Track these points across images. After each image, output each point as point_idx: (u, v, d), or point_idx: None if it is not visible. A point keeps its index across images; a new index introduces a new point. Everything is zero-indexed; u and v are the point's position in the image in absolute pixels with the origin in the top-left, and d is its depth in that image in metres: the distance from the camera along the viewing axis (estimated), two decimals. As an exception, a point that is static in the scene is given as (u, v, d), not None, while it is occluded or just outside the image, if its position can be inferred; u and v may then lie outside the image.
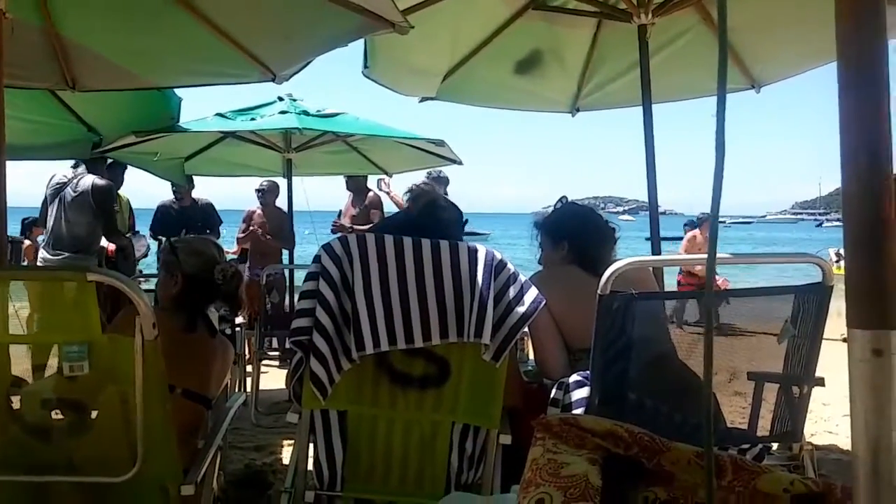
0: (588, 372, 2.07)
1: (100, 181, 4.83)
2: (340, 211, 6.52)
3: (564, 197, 2.66)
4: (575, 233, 2.50)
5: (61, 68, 3.57)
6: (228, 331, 4.82)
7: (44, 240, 4.99)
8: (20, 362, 1.91)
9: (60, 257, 4.72)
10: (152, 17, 3.24)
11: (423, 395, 2.01)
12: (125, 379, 1.77)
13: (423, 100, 4.01)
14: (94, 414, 1.92)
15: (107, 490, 1.89)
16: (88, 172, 4.90)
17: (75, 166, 4.95)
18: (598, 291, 1.90)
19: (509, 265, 2.00)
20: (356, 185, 6.52)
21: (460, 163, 5.79)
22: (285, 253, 6.67)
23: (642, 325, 2.02)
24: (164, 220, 6.33)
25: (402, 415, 2.03)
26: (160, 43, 3.50)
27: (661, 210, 3.68)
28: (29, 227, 7.44)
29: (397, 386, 2.01)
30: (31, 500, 1.96)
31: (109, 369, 1.81)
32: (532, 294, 1.97)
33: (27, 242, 7.12)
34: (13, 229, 5.18)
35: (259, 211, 6.74)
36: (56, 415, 1.94)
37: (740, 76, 3.88)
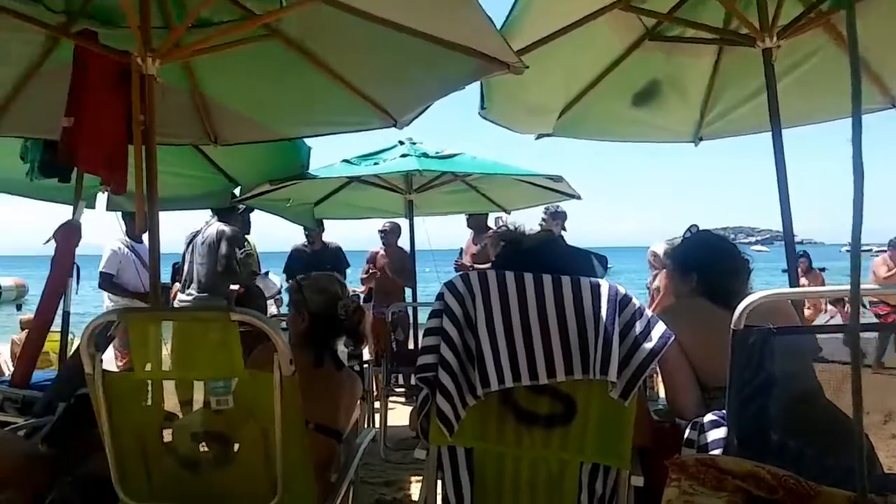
0: (724, 411, 1.97)
1: (224, 227, 5.16)
2: (462, 249, 6.61)
3: (695, 226, 2.56)
4: (704, 263, 2.40)
5: (204, 125, 3.90)
6: (357, 367, 4.99)
7: (180, 284, 5.43)
8: (169, 397, 2.06)
9: (192, 297, 5.13)
10: (282, 73, 3.49)
11: (549, 433, 1.97)
12: (265, 413, 1.87)
13: (539, 137, 4.02)
14: (236, 446, 2.03)
15: (249, 521, 2.00)
16: (219, 220, 5.26)
17: (212, 216, 5.39)
18: (732, 326, 1.81)
19: (634, 300, 1.94)
20: (476, 223, 6.60)
21: (579, 197, 5.75)
22: (408, 291, 6.83)
23: (783, 361, 1.89)
24: (297, 262, 6.67)
25: (528, 453, 2.00)
26: (290, 97, 3.75)
27: (798, 240, 3.48)
28: (178, 272, 8.04)
29: (523, 424, 1.99)
30: (182, 527, 2.10)
31: (251, 404, 1.91)
32: (660, 329, 1.90)
33: (175, 286, 7.70)
34: (165, 276, 5.62)
35: (382, 251, 6.96)
36: (203, 447, 2.07)
37: (878, 95, 3.63)
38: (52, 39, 3.23)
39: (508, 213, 6.44)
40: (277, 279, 6.57)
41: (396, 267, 6.77)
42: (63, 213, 4.33)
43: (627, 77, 3.66)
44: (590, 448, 1.95)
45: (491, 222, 6.62)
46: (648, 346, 1.88)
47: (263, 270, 6.53)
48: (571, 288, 1.91)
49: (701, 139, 4.21)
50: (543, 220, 6.37)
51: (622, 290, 1.94)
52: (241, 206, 5.55)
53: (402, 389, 6.59)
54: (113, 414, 1.95)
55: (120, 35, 3.02)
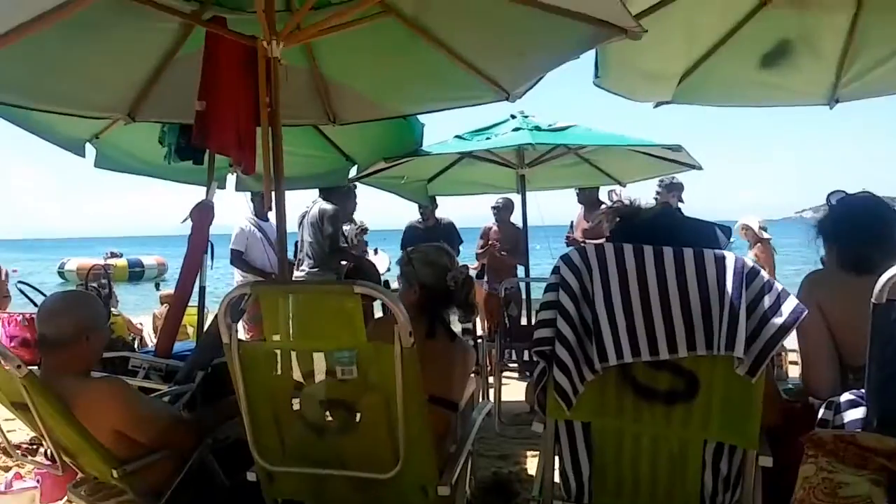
0: (863, 390, 1.85)
1: (326, 206, 5.49)
2: (572, 223, 6.53)
3: (840, 191, 2.38)
4: (844, 232, 2.26)
5: (323, 105, 4.04)
6: (471, 342, 5.06)
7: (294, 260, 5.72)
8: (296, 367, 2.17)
9: (304, 273, 5.42)
10: (397, 50, 3.54)
11: (670, 409, 1.93)
12: (386, 384, 1.94)
13: (657, 105, 3.88)
14: (359, 415, 2.12)
15: (373, 485, 2.08)
16: (323, 199, 5.57)
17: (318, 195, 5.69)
18: (873, 300, 1.70)
19: (763, 273, 1.85)
20: (587, 198, 6.50)
21: (699, 167, 5.50)
22: (520, 268, 6.84)
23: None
24: (411, 238, 6.82)
25: (648, 429, 1.97)
26: (405, 74, 3.81)
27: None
28: (296, 250, 8.45)
29: (642, 399, 1.95)
30: (309, 487, 2.22)
31: (373, 374, 1.98)
32: (791, 304, 1.80)
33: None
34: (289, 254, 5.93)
35: (495, 227, 7.00)
36: (328, 415, 2.17)
37: None
38: (185, 27, 3.41)
39: (624, 185, 6.27)
40: (386, 256, 6.75)
41: (509, 243, 6.80)
42: (197, 194, 4.64)
43: (754, 37, 3.44)
44: (714, 426, 1.89)
45: (603, 196, 6.49)
46: (778, 321, 1.79)
47: (371, 248, 6.73)
48: (694, 260, 1.84)
49: (837, 101, 3.92)
50: (658, 192, 6.17)
51: (749, 263, 1.85)
52: (345, 185, 5.76)
53: (516, 365, 6.66)
54: (247, 380, 2.08)
55: (247, 20, 3.17)
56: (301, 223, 5.62)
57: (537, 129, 5.02)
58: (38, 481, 3.23)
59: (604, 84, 3.32)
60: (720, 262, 1.85)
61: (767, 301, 1.81)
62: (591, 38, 2.79)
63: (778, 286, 1.84)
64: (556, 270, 1.96)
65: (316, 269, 5.44)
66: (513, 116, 5.36)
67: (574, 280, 1.92)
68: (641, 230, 2.03)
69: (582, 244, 5.49)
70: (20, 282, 5.20)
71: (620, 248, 1.90)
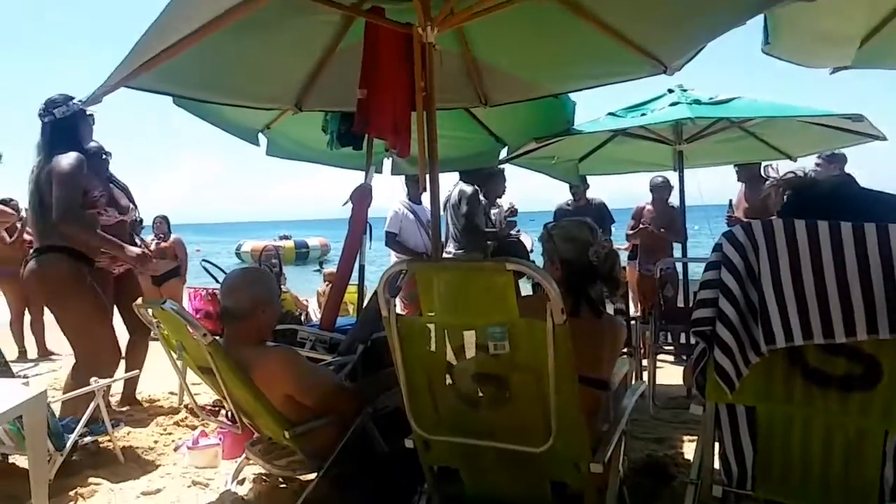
0: None
1: (465, 187, 5.60)
2: (730, 202, 6.16)
3: None
4: None
5: (475, 88, 4.09)
6: (624, 324, 4.95)
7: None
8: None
9: (450, 254, 5.56)
10: (548, 28, 3.50)
11: (846, 396, 1.79)
12: (538, 359, 1.95)
13: (834, 71, 3.56)
14: (510, 390, 2.14)
15: (525, 458, 2.11)
16: (462, 181, 5.69)
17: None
18: None
19: (959, 248, 1.67)
20: (749, 175, 6.10)
21: (884, 138, 4.98)
22: (675, 248, 6.59)
23: None
24: (562, 219, 6.74)
25: (820, 417, 1.84)
26: (556, 52, 3.76)
27: None
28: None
29: (814, 385, 1.83)
30: (463, 456, 2.29)
31: (524, 350, 2.00)
32: None
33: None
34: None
35: (649, 207, 6.78)
36: (481, 388, 2.21)
37: None
38: (346, 19, 3.58)
39: (794, 160, 5.81)
40: (529, 237, 6.72)
41: (664, 224, 6.56)
42: (356, 178, 4.88)
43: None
44: (898, 417, 1.74)
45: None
46: None
47: (514, 230, 6.74)
48: (877, 235, 1.69)
49: None
50: (817, 164, 5.69)
51: None
52: (494, 167, 5.80)
53: (671, 348, 6.43)
54: (405, 352, 2.17)
55: (403, 9, 3.27)
56: (445, 207, 5.76)
57: (697, 102, 4.75)
58: (220, 439, 3.56)
59: (774, 51, 3.09)
60: (907, 238, 1.68)
61: (963, 281, 1.63)
62: (760, 2, 2.61)
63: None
64: (717, 248, 1.87)
65: (461, 251, 5.56)
66: (670, 91, 5.11)
67: (738, 258, 1.83)
68: (817, 203, 1.89)
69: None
70: (204, 260, 5.73)
71: (791, 224, 1.78)
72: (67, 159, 3.74)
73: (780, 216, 1.93)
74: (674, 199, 6.48)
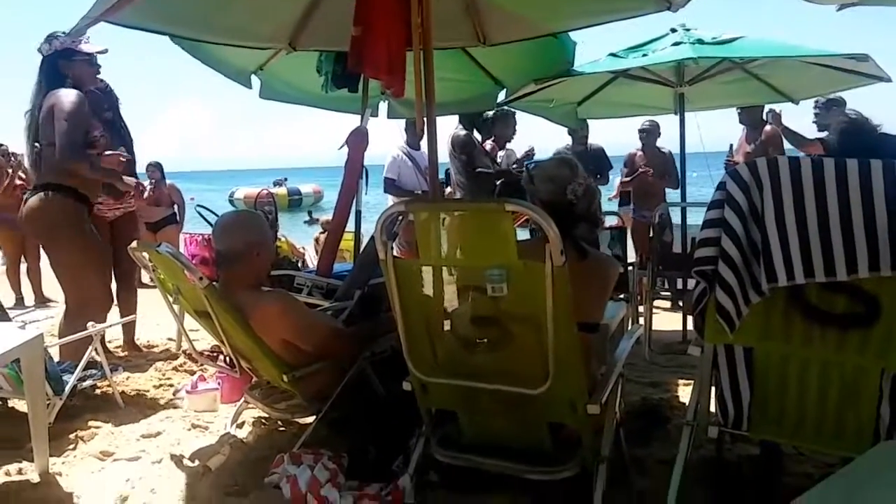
0: None
1: (458, 132, 5.63)
2: (731, 146, 6.10)
3: None
4: None
5: (474, 25, 3.97)
6: (622, 270, 4.94)
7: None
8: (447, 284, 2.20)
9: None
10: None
11: (844, 335, 1.79)
12: (536, 301, 1.93)
13: (841, 7, 3.44)
14: (509, 332, 2.13)
15: (523, 399, 2.11)
16: (459, 126, 5.70)
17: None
18: None
19: (967, 187, 1.63)
20: (750, 118, 6.03)
21: (888, 79, 4.87)
22: (669, 192, 6.58)
23: None
24: (560, 164, 6.68)
25: (818, 355, 1.84)
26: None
27: None
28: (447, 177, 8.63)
29: (814, 323, 1.82)
30: (461, 398, 2.29)
31: (524, 292, 1.98)
32: None
33: (448, 189, 8.25)
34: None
35: (640, 153, 6.74)
36: (479, 330, 2.20)
37: None
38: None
39: (797, 102, 5.71)
40: None
41: (656, 168, 6.53)
42: (352, 122, 4.78)
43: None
44: (895, 355, 1.73)
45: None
46: None
47: None
48: (883, 173, 1.65)
49: None
50: (816, 112, 5.61)
51: None
52: (502, 109, 5.71)
53: (668, 294, 6.45)
54: (402, 295, 2.15)
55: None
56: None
57: (700, 42, 4.62)
58: (219, 383, 3.58)
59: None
60: (915, 176, 1.64)
61: (971, 218, 1.60)
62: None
63: None
64: (721, 186, 1.84)
65: (468, 196, 5.55)
66: (673, 30, 4.96)
67: (742, 196, 1.80)
68: (871, 145, 1.85)
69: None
70: (198, 205, 5.68)
71: (797, 161, 1.74)
72: (69, 96, 3.66)
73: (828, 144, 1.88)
74: (668, 144, 6.43)
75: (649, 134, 6.68)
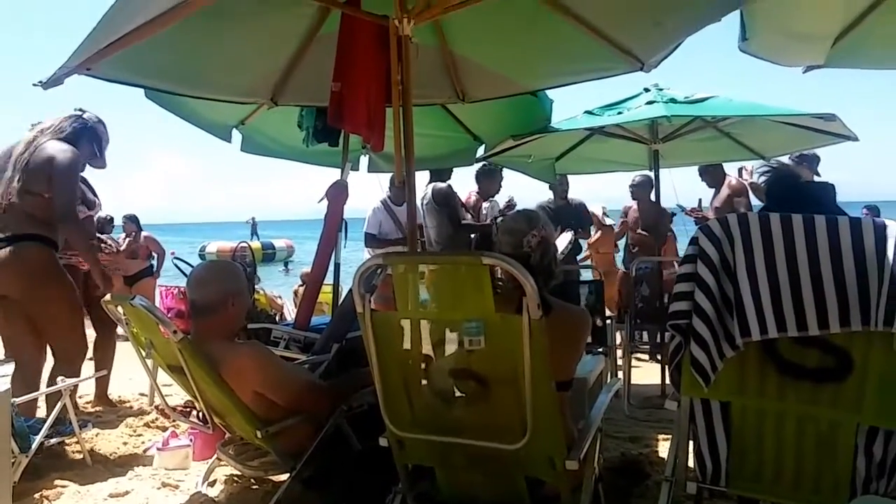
0: None
1: (439, 185, 5.62)
2: (700, 200, 6.28)
3: None
4: None
5: (453, 83, 4.06)
6: (599, 323, 4.95)
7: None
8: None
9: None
10: (527, 23, 3.49)
11: (818, 388, 1.80)
12: (514, 354, 1.92)
13: (807, 70, 3.58)
14: (486, 386, 2.11)
15: (500, 455, 2.08)
16: (433, 181, 5.69)
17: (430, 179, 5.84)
18: None
19: (930, 243, 1.68)
20: (713, 177, 6.25)
21: (855, 138, 5.03)
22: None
23: None
24: (541, 219, 6.77)
25: (793, 409, 1.85)
26: (535, 47, 3.75)
27: None
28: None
29: (787, 377, 1.83)
30: (438, 454, 2.26)
31: (500, 345, 1.97)
32: (963, 276, 1.62)
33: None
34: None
35: (634, 206, 6.84)
36: (457, 385, 2.18)
37: None
38: (322, 11, 3.53)
39: (767, 160, 5.86)
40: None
41: (651, 221, 6.62)
42: (331, 176, 4.82)
43: (923, -9, 3.10)
44: (869, 408, 1.75)
45: (731, 171, 6.21)
46: None
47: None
48: (850, 229, 1.70)
49: None
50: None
51: None
52: (490, 165, 5.80)
53: (647, 347, 6.46)
54: (379, 348, 2.13)
55: (379, 1, 3.24)
56: (421, 206, 5.75)
57: (673, 101, 4.75)
58: (191, 440, 3.49)
59: (750, 48, 3.09)
60: (880, 232, 1.69)
61: (935, 273, 1.64)
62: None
63: (948, 257, 1.66)
64: (694, 241, 1.87)
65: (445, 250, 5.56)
66: (646, 89, 5.11)
67: (714, 251, 1.83)
68: (804, 194, 1.91)
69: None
70: (175, 257, 5.64)
71: (766, 218, 1.79)
72: (67, 153, 3.63)
73: (767, 202, 1.94)
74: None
75: (638, 187, 6.78)
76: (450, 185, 5.74)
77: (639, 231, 6.65)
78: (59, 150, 3.62)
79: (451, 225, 5.62)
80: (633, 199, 6.85)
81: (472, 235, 5.78)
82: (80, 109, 3.89)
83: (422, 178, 6.40)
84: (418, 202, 5.76)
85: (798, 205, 1.84)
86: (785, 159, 5.83)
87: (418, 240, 5.73)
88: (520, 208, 5.83)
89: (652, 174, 5.90)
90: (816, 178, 5.36)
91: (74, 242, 3.69)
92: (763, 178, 2.15)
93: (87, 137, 3.85)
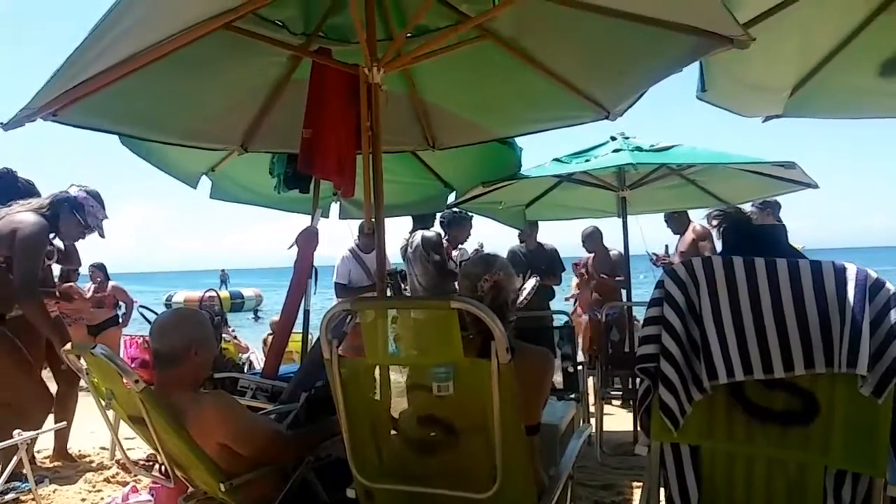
0: None
1: (428, 234, 5.62)
2: (667, 246, 6.40)
3: None
4: None
5: (423, 130, 4.11)
6: (570, 369, 4.94)
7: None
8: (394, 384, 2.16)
9: None
10: (496, 73, 3.57)
11: (785, 431, 1.80)
12: (483, 400, 1.90)
13: (766, 119, 3.70)
14: (455, 432, 2.08)
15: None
16: (417, 228, 5.69)
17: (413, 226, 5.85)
18: None
19: (888, 285, 1.71)
20: (678, 224, 6.37)
21: (815, 186, 5.18)
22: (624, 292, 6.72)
23: None
24: (513, 263, 6.80)
25: (762, 452, 1.84)
26: (503, 96, 3.83)
27: None
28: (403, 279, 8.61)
29: (754, 420, 1.83)
30: (407, 503, 2.20)
31: (470, 390, 1.95)
32: (923, 317, 1.66)
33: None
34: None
35: (590, 257, 6.93)
36: (427, 432, 2.14)
37: None
38: (293, 59, 3.57)
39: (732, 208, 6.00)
40: None
41: (607, 269, 6.69)
42: (300, 223, 4.80)
43: (872, 44, 3.21)
44: (836, 451, 1.75)
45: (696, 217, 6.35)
46: None
47: None
48: (811, 272, 1.73)
49: (972, 109, 3.61)
50: (752, 211, 5.90)
51: (873, 275, 1.72)
52: (461, 212, 5.84)
53: (619, 393, 6.45)
54: (347, 396, 2.10)
55: (351, 50, 3.29)
56: (406, 257, 5.73)
57: (639, 149, 4.88)
58: (152, 495, 3.37)
59: (708, 97, 3.18)
60: (840, 274, 1.73)
61: (895, 315, 1.66)
62: (695, 49, 2.70)
63: (908, 298, 1.70)
64: (660, 284, 1.89)
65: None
66: (613, 138, 5.24)
67: (680, 294, 1.84)
68: (752, 236, 1.94)
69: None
70: (141, 306, 5.54)
71: (730, 261, 1.81)
72: (33, 225, 3.62)
73: (723, 247, 1.96)
74: (613, 246, 6.64)
75: (590, 238, 6.91)
76: (438, 234, 5.76)
77: (601, 275, 6.75)
78: (26, 220, 3.60)
79: (437, 273, 5.59)
80: (587, 249, 6.96)
81: (457, 283, 5.78)
82: (73, 185, 3.91)
83: (392, 226, 6.45)
84: (401, 249, 5.78)
85: (753, 248, 1.87)
86: (748, 206, 5.96)
87: (403, 288, 5.74)
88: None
89: (620, 221, 6.00)
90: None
91: (31, 315, 3.63)
92: (716, 223, 2.19)
93: (68, 209, 3.83)
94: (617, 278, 6.74)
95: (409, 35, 3.18)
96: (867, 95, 3.65)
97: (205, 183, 5.11)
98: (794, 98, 3.46)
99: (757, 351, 1.76)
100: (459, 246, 6.50)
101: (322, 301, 5.56)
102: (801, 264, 1.76)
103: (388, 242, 5.61)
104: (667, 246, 6.33)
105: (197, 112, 3.68)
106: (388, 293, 5.56)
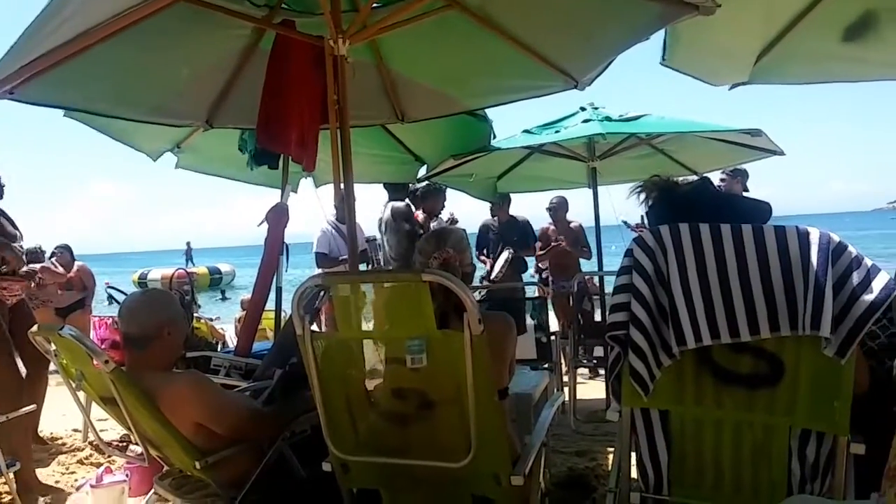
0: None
1: (398, 204, 5.68)
2: (643, 216, 6.41)
3: None
4: None
5: (392, 103, 4.06)
6: (544, 339, 4.99)
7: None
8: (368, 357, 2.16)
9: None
10: (464, 43, 3.53)
11: (752, 394, 1.84)
12: (456, 371, 1.92)
13: (733, 87, 3.71)
14: (430, 404, 2.10)
15: (446, 473, 2.07)
16: (390, 200, 5.73)
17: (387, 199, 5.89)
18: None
19: (850, 248, 1.75)
20: None
21: (781, 153, 5.25)
22: (584, 263, 6.81)
23: None
24: (485, 238, 6.84)
25: (729, 415, 1.88)
26: (472, 67, 3.79)
27: None
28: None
29: (722, 384, 1.87)
30: (383, 476, 2.22)
31: (442, 362, 1.97)
32: (882, 279, 1.69)
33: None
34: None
35: (552, 227, 6.96)
36: (401, 403, 2.16)
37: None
38: (257, 32, 3.49)
39: (699, 175, 6.05)
40: None
41: (567, 241, 6.75)
42: (270, 199, 4.75)
43: (836, 9, 3.23)
44: (800, 411, 1.80)
45: None
46: (869, 297, 1.68)
47: None
48: (776, 237, 1.76)
49: (932, 75, 3.66)
50: (722, 179, 5.98)
51: (836, 238, 1.75)
52: (434, 184, 5.83)
53: (594, 363, 6.53)
54: (321, 371, 2.10)
55: (315, 22, 3.22)
56: (379, 227, 5.73)
57: (608, 119, 4.89)
58: (127, 475, 3.36)
59: (672, 64, 3.18)
60: (804, 238, 1.76)
61: (857, 277, 1.71)
62: (661, 16, 2.70)
63: (868, 261, 1.74)
64: (629, 253, 1.91)
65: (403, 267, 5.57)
66: (582, 109, 5.24)
67: (648, 262, 1.86)
68: (678, 203, 1.97)
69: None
70: (109, 286, 5.46)
71: (696, 227, 1.83)
72: None
73: (648, 217, 2.01)
74: (583, 216, 6.70)
75: (557, 209, 6.95)
76: (408, 204, 5.81)
77: (562, 245, 6.79)
78: None
79: (408, 242, 5.61)
80: (552, 219, 6.99)
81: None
82: None
83: (368, 195, 6.49)
84: (377, 222, 5.78)
85: (688, 216, 1.88)
86: (717, 174, 6.03)
87: (373, 258, 5.75)
88: (460, 226, 5.92)
89: (591, 192, 6.03)
90: (745, 194, 5.56)
91: None
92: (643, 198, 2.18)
93: None
94: (582, 248, 6.80)
95: (374, 6, 3.13)
96: (831, 61, 3.67)
97: (168, 157, 5.02)
98: (759, 65, 3.47)
99: (724, 315, 1.78)
100: (435, 217, 6.51)
101: (294, 277, 5.53)
102: (765, 229, 1.78)
103: (366, 214, 5.71)
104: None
105: (161, 87, 3.58)
106: (364, 266, 5.60)
